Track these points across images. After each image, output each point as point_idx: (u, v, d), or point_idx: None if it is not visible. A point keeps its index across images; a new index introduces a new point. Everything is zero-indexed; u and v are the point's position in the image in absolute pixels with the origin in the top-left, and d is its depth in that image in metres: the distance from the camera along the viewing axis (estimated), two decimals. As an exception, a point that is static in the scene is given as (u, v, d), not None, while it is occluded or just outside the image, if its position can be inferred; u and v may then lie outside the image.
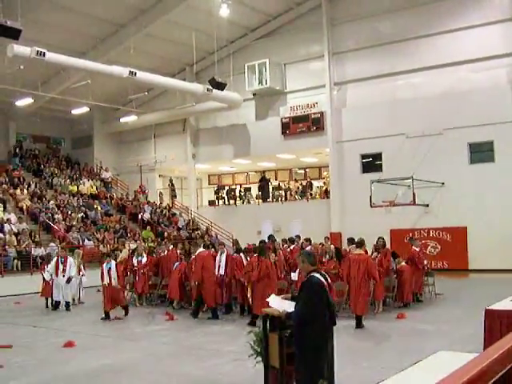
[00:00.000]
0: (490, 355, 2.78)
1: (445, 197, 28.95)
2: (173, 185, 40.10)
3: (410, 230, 29.20)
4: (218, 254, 17.47)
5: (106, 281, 17.51)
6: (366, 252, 17.25)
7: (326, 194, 34.56)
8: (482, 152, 28.89)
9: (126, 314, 17.68)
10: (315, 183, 36.96)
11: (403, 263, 18.23)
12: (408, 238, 25.78)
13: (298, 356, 7.63)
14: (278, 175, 40.45)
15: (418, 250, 19.32)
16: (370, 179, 28.28)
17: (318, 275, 7.59)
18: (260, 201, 37.04)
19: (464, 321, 14.79)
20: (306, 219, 30.50)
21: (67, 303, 19.63)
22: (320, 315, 7.31)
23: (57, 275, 19.57)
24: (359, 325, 14.58)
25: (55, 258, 20.07)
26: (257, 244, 19.25)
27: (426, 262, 19.58)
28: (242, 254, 17.42)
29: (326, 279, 7.64)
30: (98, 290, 21.67)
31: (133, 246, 25.97)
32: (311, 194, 35.61)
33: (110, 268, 17.58)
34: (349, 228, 29.79)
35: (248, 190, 39.44)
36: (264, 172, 38.71)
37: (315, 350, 7.32)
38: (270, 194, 37.06)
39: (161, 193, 40.06)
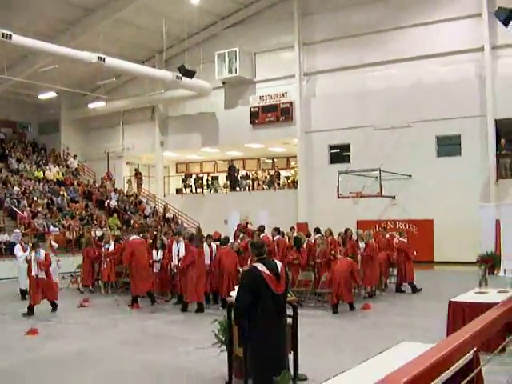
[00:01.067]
0: (444, 346, 2.80)
1: (412, 189, 29.14)
2: (139, 173, 39.83)
3: (377, 222, 29.32)
4: (174, 244, 17.64)
5: (36, 272, 15.78)
6: (334, 243, 17.67)
7: (293, 184, 34.60)
8: (449, 145, 29.11)
9: (54, 310, 16.27)
10: (283, 173, 36.96)
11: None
12: (382, 229, 26.05)
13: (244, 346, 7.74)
14: (245, 164, 40.36)
15: (405, 241, 19.81)
16: (338, 170, 28.26)
17: (259, 265, 7.50)
18: (227, 190, 36.96)
19: (428, 312, 14.90)
20: (274, 209, 30.53)
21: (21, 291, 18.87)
22: (257, 306, 7.23)
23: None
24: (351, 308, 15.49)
25: (18, 245, 19.14)
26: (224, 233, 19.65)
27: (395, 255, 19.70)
28: (205, 243, 17.35)
29: (274, 269, 7.53)
30: (63, 277, 21.76)
31: (99, 233, 25.72)
32: (279, 184, 35.60)
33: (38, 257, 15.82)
34: (316, 218, 29.75)
35: (215, 178, 39.25)
36: (232, 161, 38.58)
37: (255, 340, 7.30)
38: (238, 183, 36.99)
39: (129, 180, 39.84)
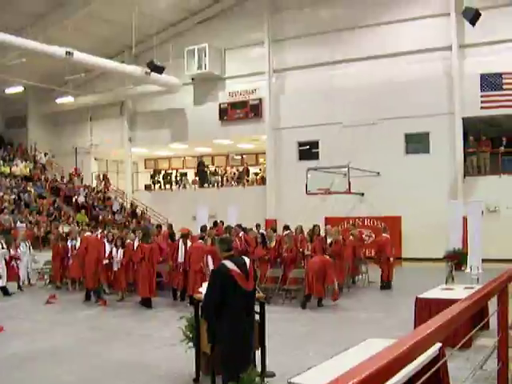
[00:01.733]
0: (406, 341, 2.83)
1: (380, 186, 29.20)
2: (106, 177, 39.57)
3: (345, 219, 29.38)
4: (136, 240, 17.76)
5: None
6: (304, 239, 17.80)
7: (262, 180, 34.64)
8: (417, 143, 29.30)
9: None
10: (252, 170, 36.97)
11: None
12: (351, 225, 26.00)
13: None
14: (214, 161, 40.26)
15: (388, 237, 19.93)
16: (307, 167, 28.32)
17: (228, 262, 7.50)
18: (196, 186, 36.90)
19: (396, 309, 15.06)
20: (242, 205, 30.41)
21: None
22: (226, 303, 7.22)
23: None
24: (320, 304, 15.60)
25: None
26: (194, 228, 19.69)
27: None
28: (181, 241, 17.54)
29: (243, 266, 7.54)
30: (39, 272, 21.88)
31: (66, 229, 25.46)
32: (248, 181, 35.62)
33: None
34: (284, 215, 29.84)
35: (184, 174, 39.21)
36: (201, 157, 38.56)
37: (224, 337, 7.29)
38: (207, 180, 36.93)
39: (98, 175, 39.60)
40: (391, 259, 19.50)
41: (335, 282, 15.74)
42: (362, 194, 29.70)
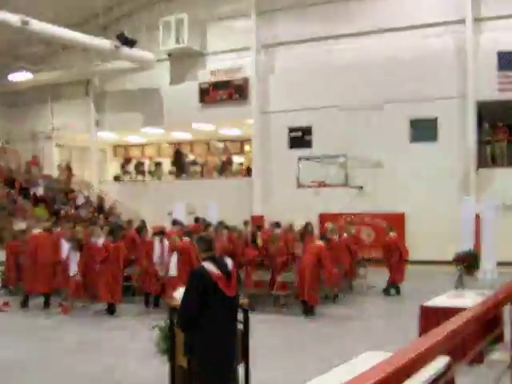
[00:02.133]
0: (407, 353, 2.87)
1: (381, 178, 29.16)
2: (69, 167, 39.17)
3: (342, 215, 29.34)
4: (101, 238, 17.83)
5: None
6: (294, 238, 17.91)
7: (247, 171, 34.62)
8: (424, 130, 29.06)
9: None
10: (236, 159, 37.04)
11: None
12: (347, 223, 26.09)
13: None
14: (193, 148, 40.29)
15: (397, 236, 20.58)
16: (298, 156, 28.43)
17: (208, 264, 7.52)
18: (173, 177, 36.90)
19: (398, 317, 15.24)
20: (225, 199, 30.63)
21: None
22: (205, 311, 7.25)
23: None
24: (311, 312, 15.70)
25: None
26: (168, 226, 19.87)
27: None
28: (157, 239, 17.70)
29: (225, 268, 7.57)
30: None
31: (22, 225, 24.95)
32: (231, 171, 35.62)
33: None
34: (273, 211, 29.76)
35: (159, 164, 39.06)
36: (178, 144, 38.44)
37: (202, 349, 7.31)
38: (185, 170, 36.91)
39: (60, 164, 39.30)
40: (405, 260, 19.94)
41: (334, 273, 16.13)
42: (361, 188, 29.60)
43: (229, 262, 7.77)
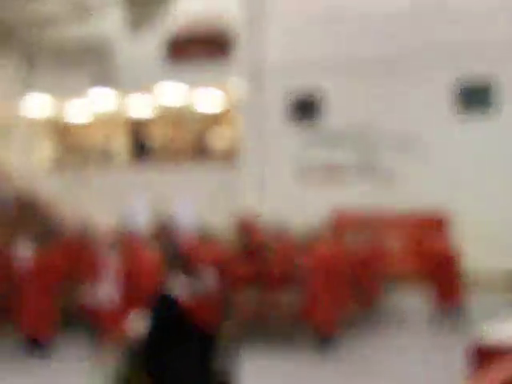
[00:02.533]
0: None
1: (416, 164, 28.99)
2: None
3: (361, 214, 28.93)
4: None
5: None
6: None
7: (232, 154, 34.45)
8: (477, 97, 28.82)
9: None
10: (217, 138, 36.85)
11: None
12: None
13: None
14: (158, 125, 39.89)
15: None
16: (301, 133, 28.64)
17: (176, 284, 7.65)
18: (130, 163, 36.87)
19: (437, 358, 15.04)
20: (202, 193, 30.92)
21: None
22: (174, 347, 7.37)
23: None
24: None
25: None
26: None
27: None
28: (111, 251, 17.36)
29: (200, 290, 7.72)
30: None
31: None
32: (209, 155, 35.63)
33: None
34: (268, 208, 29.42)
35: (111, 146, 39.08)
36: (137, 120, 38.42)
37: None
38: (146, 154, 37.04)
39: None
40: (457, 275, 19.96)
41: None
42: (389, 176, 29.45)
43: (209, 278, 7.89)
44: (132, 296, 15.38)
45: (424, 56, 29.14)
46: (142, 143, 37.19)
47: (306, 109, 31.82)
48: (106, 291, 16.66)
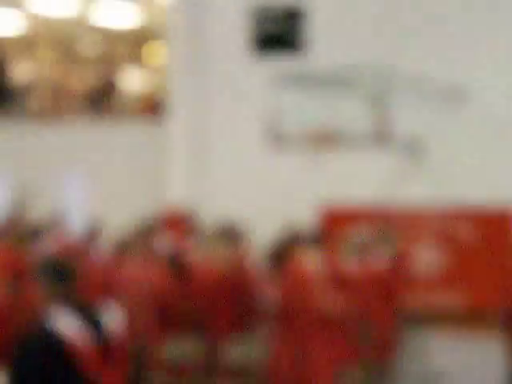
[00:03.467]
0: None
1: (464, 129, 27.89)
2: None
3: (371, 210, 27.70)
4: None
5: None
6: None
7: (154, 109, 33.85)
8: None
9: None
10: (131, 79, 36.49)
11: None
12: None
13: None
14: (27, 52, 40.56)
15: None
16: (272, 73, 27.41)
17: (64, 319, 7.58)
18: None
19: None
20: (102, 170, 30.42)
21: None
22: None
23: None
24: None
25: None
26: None
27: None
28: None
29: (100, 327, 7.84)
30: None
31: None
32: (119, 109, 34.61)
33: None
34: (213, 198, 29.22)
35: None
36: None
37: None
38: (12, 103, 35.64)
39: None
40: None
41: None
42: (416, 149, 28.11)
43: (114, 311, 8.16)
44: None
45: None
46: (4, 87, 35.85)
47: (278, 34, 31.13)
48: None
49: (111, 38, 40.05)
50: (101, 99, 35.12)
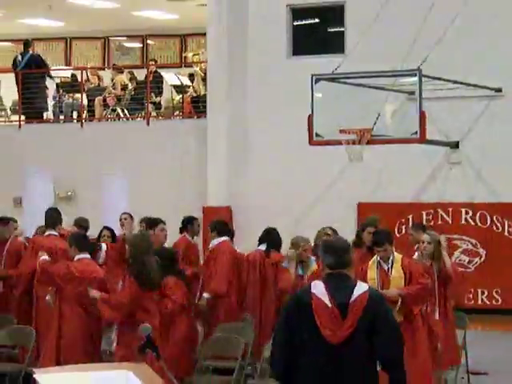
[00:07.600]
0: None
1: (502, 125, 28.04)
2: None
3: (412, 208, 28.61)
4: None
5: None
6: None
7: (195, 107, 34.13)
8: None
9: None
10: (169, 77, 35.96)
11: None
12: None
13: None
14: (72, 54, 40.49)
15: None
16: (314, 71, 27.08)
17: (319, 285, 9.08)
18: (22, 118, 35.39)
19: None
20: (143, 171, 30.63)
21: None
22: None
23: None
24: None
25: None
26: None
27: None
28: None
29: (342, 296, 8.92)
30: None
31: None
32: (159, 108, 35.08)
33: None
34: (259, 195, 29.73)
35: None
36: (30, 41, 37.12)
37: None
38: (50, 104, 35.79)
39: None
40: None
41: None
42: (457, 146, 28.73)
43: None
44: None
45: None
46: (41, 88, 35.64)
47: (316, 32, 32.33)
48: None
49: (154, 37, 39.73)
50: (147, 97, 34.77)
